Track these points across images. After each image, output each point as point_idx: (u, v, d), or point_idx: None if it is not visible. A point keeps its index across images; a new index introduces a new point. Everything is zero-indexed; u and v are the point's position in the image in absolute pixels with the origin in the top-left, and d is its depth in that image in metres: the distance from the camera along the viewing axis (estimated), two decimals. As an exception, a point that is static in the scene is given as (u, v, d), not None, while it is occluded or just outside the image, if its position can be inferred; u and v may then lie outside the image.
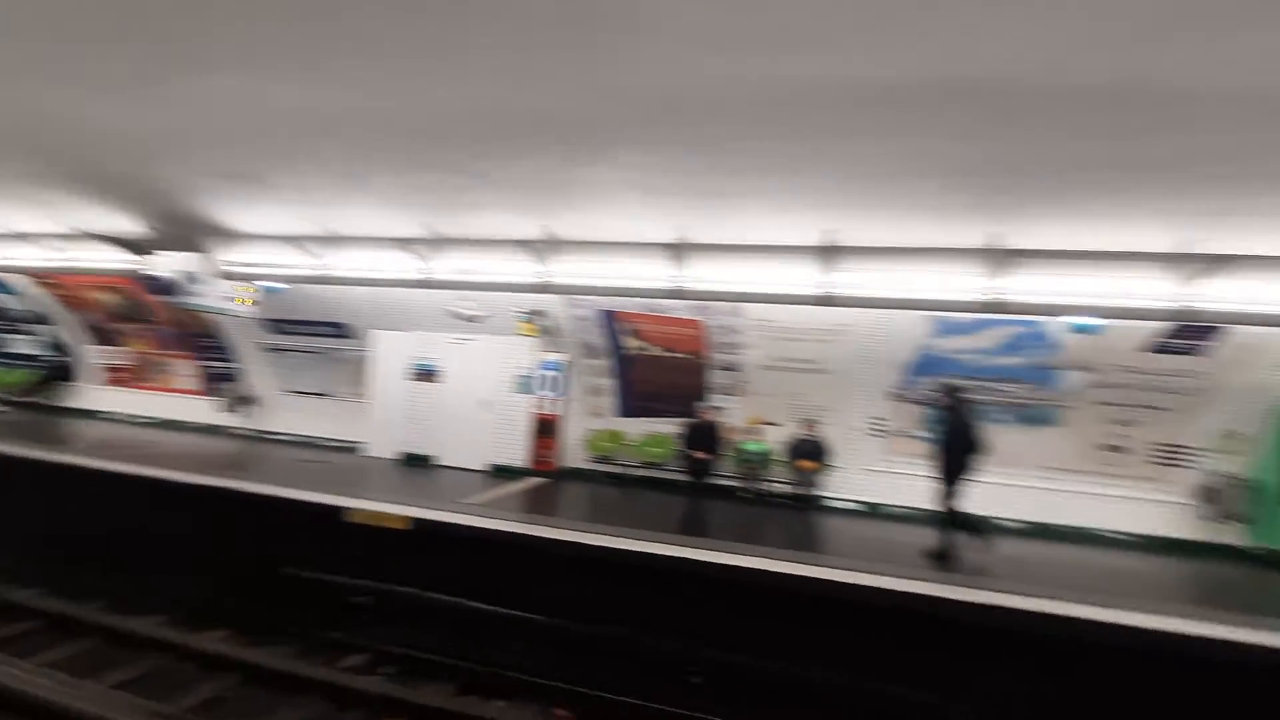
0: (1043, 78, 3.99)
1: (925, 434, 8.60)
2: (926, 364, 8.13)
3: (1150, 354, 7.25)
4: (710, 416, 8.60)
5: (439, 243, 9.00)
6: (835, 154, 5.36)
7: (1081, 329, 6.95)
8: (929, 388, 6.94)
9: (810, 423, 8.62)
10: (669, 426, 9.27)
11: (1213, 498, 7.74)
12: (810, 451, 8.59)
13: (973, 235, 6.64)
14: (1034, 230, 6.38)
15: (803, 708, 5.40)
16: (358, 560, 6.54)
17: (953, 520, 6.40)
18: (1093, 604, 5.12)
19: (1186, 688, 4.79)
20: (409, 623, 6.18)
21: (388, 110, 5.16)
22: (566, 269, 8.59)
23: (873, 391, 8.59)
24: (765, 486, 8.93)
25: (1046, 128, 4.63)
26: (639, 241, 7.82)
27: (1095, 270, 6.54)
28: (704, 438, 8.42)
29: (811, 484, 8.71)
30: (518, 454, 9.40)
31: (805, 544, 7.09)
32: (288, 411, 11.61)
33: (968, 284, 6.96)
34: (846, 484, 8.84)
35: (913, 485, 8.62)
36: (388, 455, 9.89)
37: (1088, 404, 7.93)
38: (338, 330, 10.70)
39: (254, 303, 9.94)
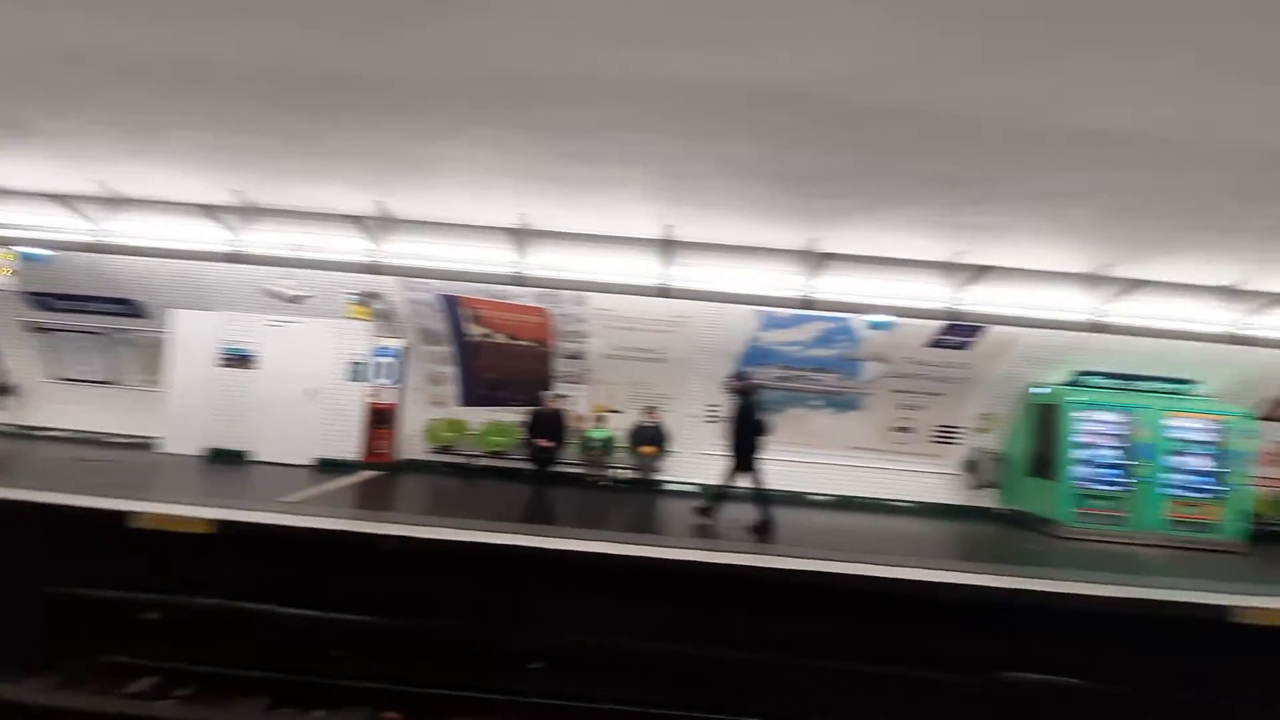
0: (862, 96, 4.49)
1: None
2: (755, 354, 8.82)
3: (930, 348, 8.49)
4: (555, 404, 8.66)
5: (253, 212, 8.09)
6: (674, 151, 5.60)
7: (877, 325, 7.96)
8: (729, 376, 7.53)
9: (651, 410, 8.99)
10: (513, 415, 9.19)
11: (974, 469, 9.27)
12: (651, 437, 8.97)
13: (795, 237, 7.31)
14: (844, 236, 7.17)
15: (641, 678, 5.68)
16: (148, 571, 5.74)
17: (726, 495, 7.01)
18: (876, 562, 5.99)
19: (944, 624, 5.78)
20: (212, 636, 5.55)
21: (195, 55, 4.52)
22: (403, 249, 8.14)
23: (708, 380, 9.16)
24: (609, 472, 9.19)
25: (862, 143, 5.21)
26: (481, 224, 7.62)
27: (889, 274, 7.50)
28: (549, 426, 8.48)
29: (653, 468, 9.10)
30: (349, 446, 8.78)
31: (643, 526, 7.41)
32: (61, 403, 9.82)
33: (789, 282, 7.64)
34: (685, 467, 9.36)
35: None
36: (190, 451, 8.75)
37: (884, 391, 9.11)
38: (126, 308, 9.22)
39: (11, 272, 8.27)
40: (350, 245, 8.18)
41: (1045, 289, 7.44)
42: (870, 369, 8.86)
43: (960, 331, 8.11)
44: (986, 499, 9.44)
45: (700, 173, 5.98)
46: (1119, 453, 8.34)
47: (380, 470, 8.70)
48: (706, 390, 9.21)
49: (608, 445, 9.16)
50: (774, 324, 8.44)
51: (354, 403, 8.79)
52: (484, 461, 9.38)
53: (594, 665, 5.81)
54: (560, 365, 9.21)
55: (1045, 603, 5.90)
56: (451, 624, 5.69)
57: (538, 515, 7.46)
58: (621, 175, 6.06)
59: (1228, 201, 5.64)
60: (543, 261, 7.79)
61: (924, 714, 5.66)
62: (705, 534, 6.76)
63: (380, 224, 7.95)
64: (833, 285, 7.59)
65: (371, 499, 7.52)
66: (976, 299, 7.56)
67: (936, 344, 8.39)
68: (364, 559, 5.80)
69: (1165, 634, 5.99)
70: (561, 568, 5.82)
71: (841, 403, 9.24)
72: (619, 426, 9.23)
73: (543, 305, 8.61)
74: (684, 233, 7.33)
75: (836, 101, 4.54)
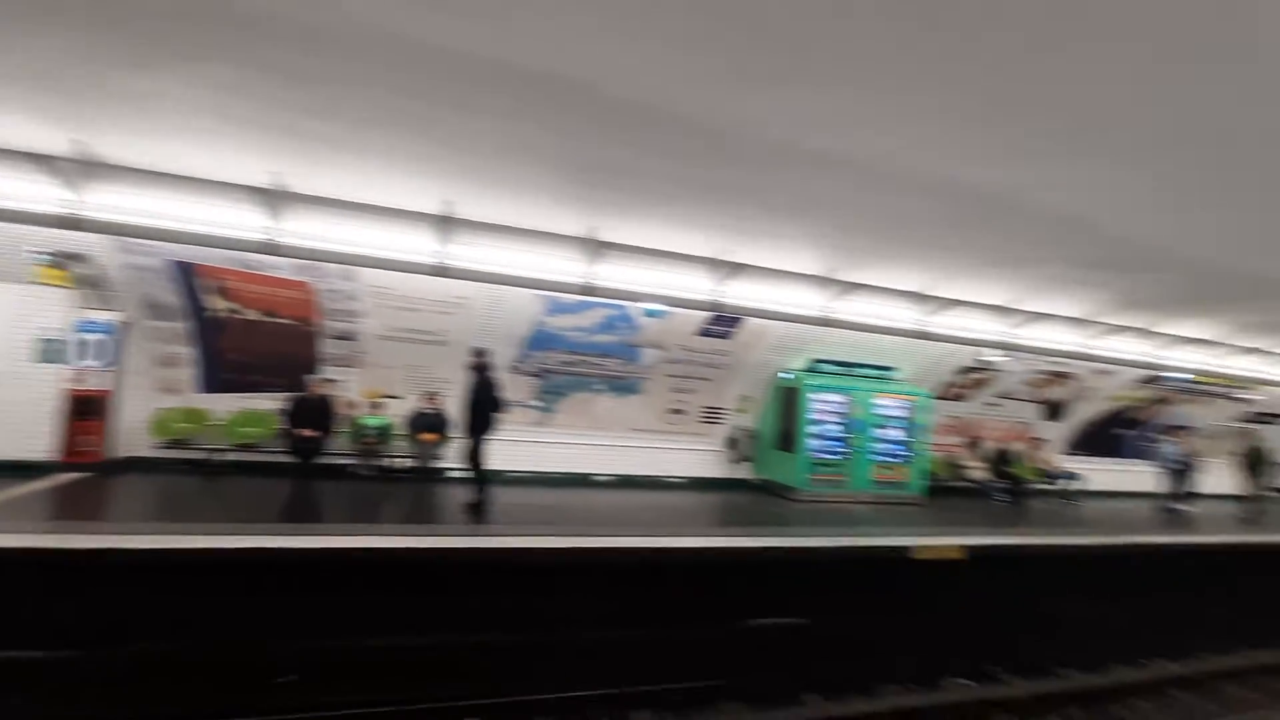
0: (634, 95, 4.77)
1: (537, 403, 9.51)
2: (540, 339, 8.94)
3: (699, 337, 9.36)
4: (321, 390, 7.89)
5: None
6: (456, 125, 5.44)
7: (651, 314, 8.56)
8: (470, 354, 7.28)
9: (432, 395, 8.64)
10: (270, 402, 8.20)
11: (734, 445, 10.44)
12: (432, 424, 8.61)
13: (576, 224, 7.54)
14: (622, 226, 7.57)
15: (412, 675, 5.46)
16: None
17: (477, 473, 7.07)
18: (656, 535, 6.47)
19: (699, 583, 6.45)
20: None
21: None
22: (117, 202, 6.76)
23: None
24: (385, 462, 8.64)
25: (638, 140, 5.55)
26: (223, 181, 6.65)
27: (662, 265, 8.10)
28: (313, 414, 7.68)
29: (434, 456, 8.75)
30: (38, 444, 7.12)
31: (414, 517, 7.11)
32: None
33: (571, 268, 7.86)
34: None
35: (529, 452, 9.48)
36: None
37: (660, 376, 9.83)
38: None
39: None
40: (36, 191, 6.59)
41: (788, 287, 8.63)
42: (648, 355, 9.50)
43: (723, 322, 9.05)
44: (744, 471, 10.67)
45: (484, 150, 5.89)
46: (841, 428, 10.01)
47: (86, 471, 7.19)
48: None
49: (384, 433, 8.61)
50: (559, 309, 8.62)
51: (45, 389, 7.14)
52: (233, 456, 8.24)
53: (357, 669, 5.48)
54: (328, 347, 8.43)
55: (782, 556, 6.86)
56: (178, 645, 4.95)
57: (292, 513, 6.76)
58: (394, 142, 5.73)
59: (926, 224, 7.07)
60: (303, 229, 7.02)
61: (693, 662, 6.23)
62: (475, 519, 6.72)
63: (80, 168, 6.51)
64: (612, 273, 7.97)
65: (67, 506, 6.18)
66: (735, 293, 8.49)
67: (704, 333, 9.26)
68: (58, 581, 4.76)
69: (868, 572, 7.33)
70: (314, 569, 5.37)
71: (623, 387, 9.77)
72: (397, 413, 8.73)
73: (305, 279, 7.79)
74: (465, 210, 7.15)
75: (612, 97, 4.81)
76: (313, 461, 7.74)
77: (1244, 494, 11.47)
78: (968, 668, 7.10)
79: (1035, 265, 8.16)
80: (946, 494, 11.17)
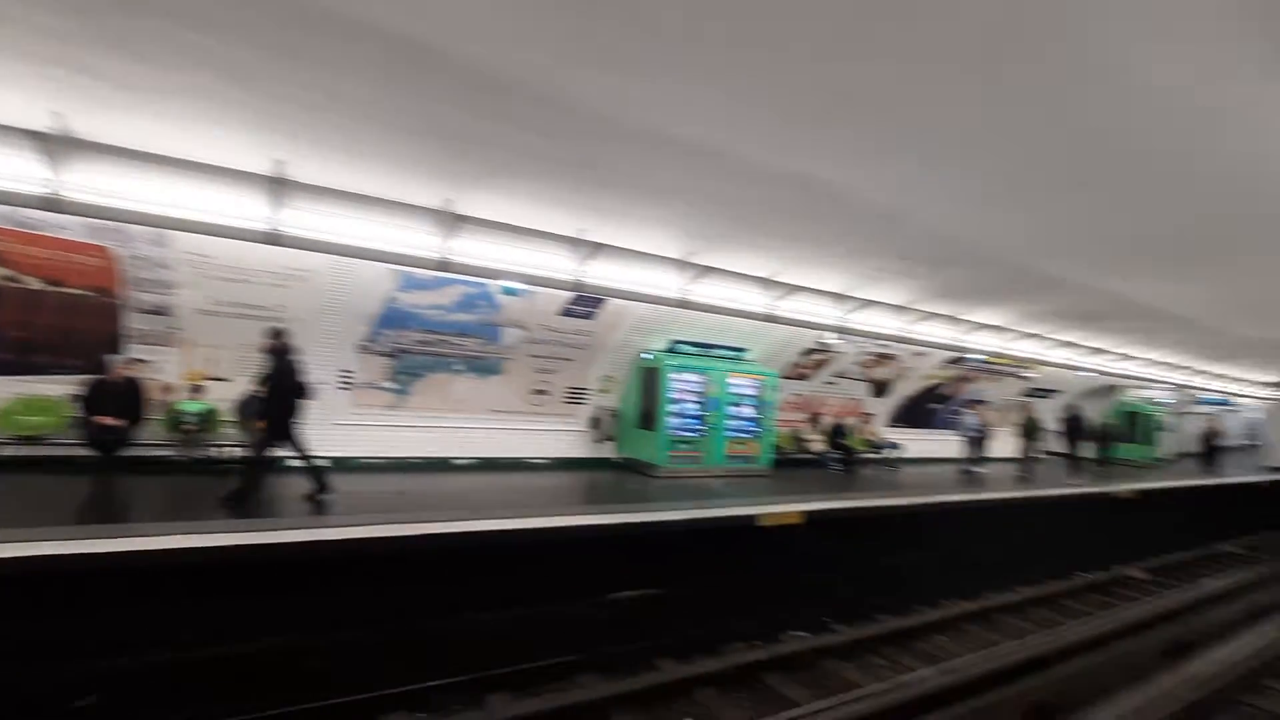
0: (500, 66, 4.59)
1: (390, 385, 9.02)
2: (393, 317, 8.46)
3: (562, 317, 9.35)
4: (128, 372, 6.89)
5: None
6: (284, 75, 4.91)
7: (509, 292, 8.42)
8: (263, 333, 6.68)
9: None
10: (62, 387, 7.06)
11: (597, 425, 10.61)
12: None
13: (431, 195, 7.16)
14: (479, 199, 7.31)
15: (229, 687, 5.01)
16: None
17: (259, 464, 6.61)
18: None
19: (566, 562, 6.53)
20: None
21: None
22: None
23: (340, 343, 8.44)
24: (209, 452, 7.77)
25: (492, 112, 5.34)
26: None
27: (522, 242, 7.96)
28: (117, 399, 6.69)
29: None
30: None
31: (239, 510, 6.48)
32: None
33: (426, 241, 7.48)
34: (312, 440, 8.46)
35: (383, 437, 8.99)
36: None
37: (523, 356, 9.71)
38: None
39: None
40: None
41: (649, 269, 8.86)
42: (510, 335, 9.33)
43: (586, 302, 9.11)
44: (608, 451, 10.88)
45: (319, 106, 5.39)
46: (698, 407, 10.53)
47: None
48: (337, 355, 8.49)
49: (207, 420, 7.74)
50: (413, 285, 8.20)
51: None
52: (8, 451, 6.99)
53: (172, 682, 4.96)
54: (136, 322, 7.37)
55: (640, 531, 7.11)
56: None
57: (81, 513, 5.89)
58: (208, 88, 5.06)
59: (774, 213, 7.53)
60: (95, 184, 6.02)
61: (552, 640, 6.30)
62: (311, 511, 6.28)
63: None
64: (470, 248, 7.69)
65: None
66: (598, 273, 8.56)
67: (567, 313, 9.27)
68: None
69: (720, 541, 7.81)
70: (113, 575, 4.73)
71: (483, 367, 9.53)
72: (224, 398, 7.87)
73: (103, 243, 6.73)
74: (301, 173, 6.52)
75: (465, 63, 4.61)
76: (117, 454, 6.77)
77: (1021, 457, 13.65)
78: (804, 621, 7.87)
79: (864, 256, 9.06)
80: (791, 466, 12.17)
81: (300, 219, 6.76)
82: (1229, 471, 18.60)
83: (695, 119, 5.40)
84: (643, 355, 10.57)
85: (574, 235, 8.12)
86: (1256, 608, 9.86)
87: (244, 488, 6.24)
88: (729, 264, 9.39)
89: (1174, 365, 18.33)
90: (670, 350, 10.58)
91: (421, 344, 8.90)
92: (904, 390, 14.57)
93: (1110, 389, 18.99)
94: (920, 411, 15.36)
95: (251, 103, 5.35)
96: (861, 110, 5.15)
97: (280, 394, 6.42)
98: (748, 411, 11.04)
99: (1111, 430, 18.03)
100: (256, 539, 5.19)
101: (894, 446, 13.64)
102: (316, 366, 8.28)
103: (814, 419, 13.13)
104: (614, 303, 9.30)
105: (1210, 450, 19.62)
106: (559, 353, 9.90)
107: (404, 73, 4.82)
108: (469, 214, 7.48)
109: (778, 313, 10.46)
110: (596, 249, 8.33)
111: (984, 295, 11.34)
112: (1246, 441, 23.42)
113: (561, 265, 8.33)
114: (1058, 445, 16.28)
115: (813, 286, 10.36)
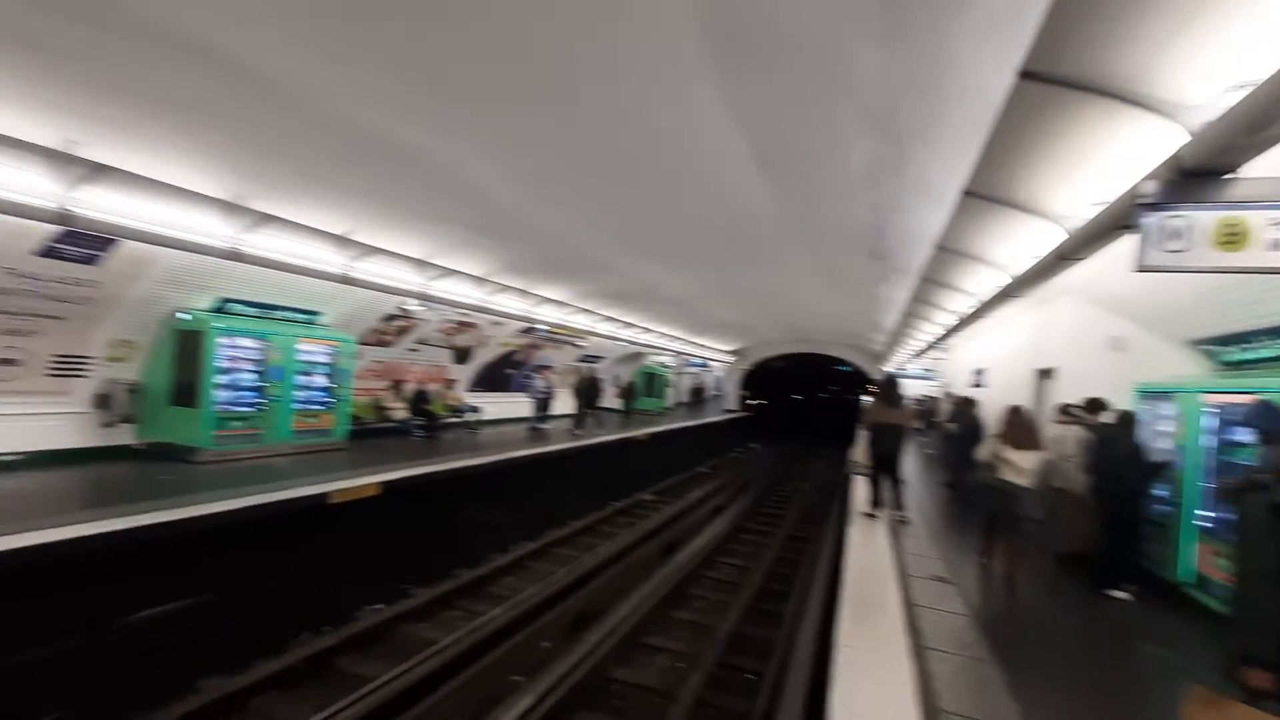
0: None
1: None
2: None
3: (43, 258, 6.84)
4: None
5: None
6: None
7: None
8: None
9: None
10: None
11: (107, 403, 8.22)
12: None
13: None
14: None
15: None
16: None
17: None
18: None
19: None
20: None
21: None
22: None
23: None
24: None
25: None
26: None
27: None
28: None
29: None
30: None
31: None
32: None
33: None
34: None
35: None
36: None
37: (-35, 311, 6.77)
38: None
39: None
40: None
41: (184, 208, 7.16)
42: (-66, 278, 6.37)
43: (83, 242, 6.88)
44: (125, 435, 8.58)
45: None
46: (257, 376, 9.18)
47: None
48: None
49: None
50: None
51: None
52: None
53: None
54: None
55: (165, 534, 5.91)
56: None
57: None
58: None
59: (344, 164, 6.93)
60: None
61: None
62: None
63: None
64: None
65: None
66: (100, 205, 6.51)
67: (49, 253, 6.83)
68: None
69: (285, 526, 7.07)
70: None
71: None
72: None
73: None
74: None
75: None
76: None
77: (576, 414, 16.27)
78: (383, 593, 7.85)
79: (445, 224, 9.28)
80: (371, 435, 11.78)
81: None
82: (706, 415, 26.04)
83: (223, 23, 4.46)
84: (180, 315, 8.55)
85: (58, 148, 5.99)
86: (715, 508, 14.16)
87: None
88: (292, 214, 8.30)
89: (676, 337, 24.38)
90: (219, 310, 8.87)
91: None
92: (484, 357, 15.56)
93: (638, 355, 24.09)
94: (498, 376, 16.67)
95: None
96: (438, 72, 5.09)
97: None
98: (320, 381, 10.15)
99: (635, 387, 23.10)
100: None
101: (474, 410, 14.50)
102: None
103: (396, 386, 12.90)
104: (133, 246, 7.23)
105: (696, 400, 27.51)
106: (39, 308, 7.23)
107: None
108: None
109: (356, 275, 9.83)
110: (97, 170, 6.33)
111: (548, 273, 12.95)
112: (715, 393, 32.95)
113: (36, 185, 6.06)
114: (574, 405, 18.72)
115: (395, 250, 10.06)
